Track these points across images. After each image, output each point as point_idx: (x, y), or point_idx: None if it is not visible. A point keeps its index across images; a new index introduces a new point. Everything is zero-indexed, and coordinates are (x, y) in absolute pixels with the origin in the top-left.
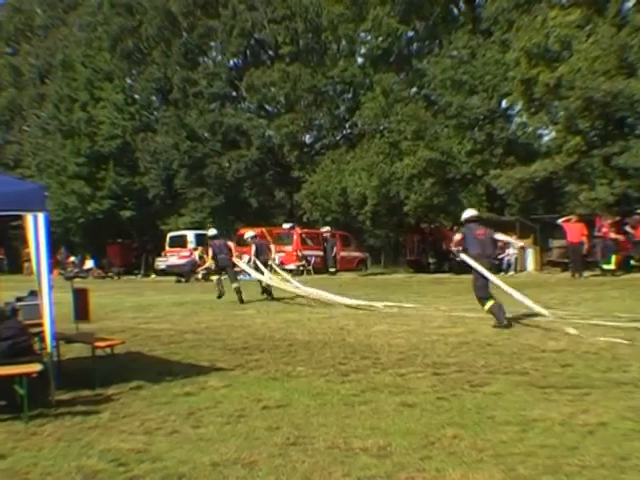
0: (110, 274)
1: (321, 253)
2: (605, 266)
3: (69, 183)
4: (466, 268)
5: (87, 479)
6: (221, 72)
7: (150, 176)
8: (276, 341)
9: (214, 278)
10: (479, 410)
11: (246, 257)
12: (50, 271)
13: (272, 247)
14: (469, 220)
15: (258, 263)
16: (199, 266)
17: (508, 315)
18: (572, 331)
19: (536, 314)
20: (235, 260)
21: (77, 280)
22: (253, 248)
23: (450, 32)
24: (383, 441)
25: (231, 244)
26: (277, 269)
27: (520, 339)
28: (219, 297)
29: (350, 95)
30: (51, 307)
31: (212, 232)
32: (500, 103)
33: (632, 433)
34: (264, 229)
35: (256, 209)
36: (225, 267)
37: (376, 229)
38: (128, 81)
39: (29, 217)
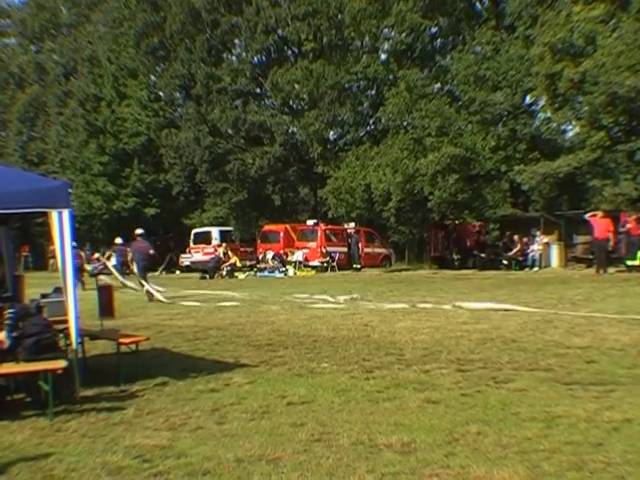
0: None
1: (345, 249)
2: (629, 262)
3: (93, 182)
4: (491, 264)
5: (112, 475)
6: (245, 69)
7: (174, 172)
8: (300, 337)
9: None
10: (503, 406)
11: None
12: (75, 268)
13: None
14: (137, 236)
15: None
16: (224, 262)
17: None
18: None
19: None
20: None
21: (101, 277)
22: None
23: (473, 28)
24: (407, 437)
25: (82, 253)
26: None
27: (545, 335)
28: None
29: (373, 91)
30: (76, 304)
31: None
32: (524, 99)
33: None
34: (288, 225)
35: (280, 205)
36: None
37: (400, 225)
38: (152, 78)
39: (54, 214)
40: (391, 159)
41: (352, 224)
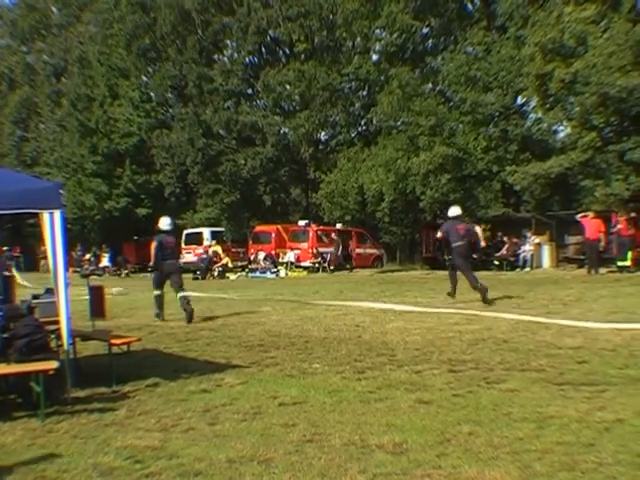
0: (126, 272)
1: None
2: (620, 263)
3: (86, 181)
4: (482, 265)
5: (104, 476)
6: (237, 69)
7: (166, 173)
8: (292, 338)
9: None
10: (495, 407)
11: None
12: (66, 269)
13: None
14: None
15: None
16: (215, 263)
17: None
18: None
19: None
20: None
21: (93, 277)
22: None
23: (465, 28)
24: (399, 438)
25: None
26: None
27: (536, 336)
28: None
29: (365, 92)
30: (67, 304)
31: None
32: (515, 99)
33: None
34: (280, 226)
35: (271, 206)
36: None
37: (392, 226)
38: (144, 78)
39: (45, 215)
40: (384, 159)
41: (339, 225)
